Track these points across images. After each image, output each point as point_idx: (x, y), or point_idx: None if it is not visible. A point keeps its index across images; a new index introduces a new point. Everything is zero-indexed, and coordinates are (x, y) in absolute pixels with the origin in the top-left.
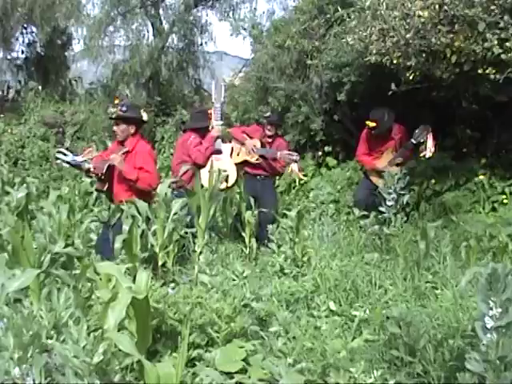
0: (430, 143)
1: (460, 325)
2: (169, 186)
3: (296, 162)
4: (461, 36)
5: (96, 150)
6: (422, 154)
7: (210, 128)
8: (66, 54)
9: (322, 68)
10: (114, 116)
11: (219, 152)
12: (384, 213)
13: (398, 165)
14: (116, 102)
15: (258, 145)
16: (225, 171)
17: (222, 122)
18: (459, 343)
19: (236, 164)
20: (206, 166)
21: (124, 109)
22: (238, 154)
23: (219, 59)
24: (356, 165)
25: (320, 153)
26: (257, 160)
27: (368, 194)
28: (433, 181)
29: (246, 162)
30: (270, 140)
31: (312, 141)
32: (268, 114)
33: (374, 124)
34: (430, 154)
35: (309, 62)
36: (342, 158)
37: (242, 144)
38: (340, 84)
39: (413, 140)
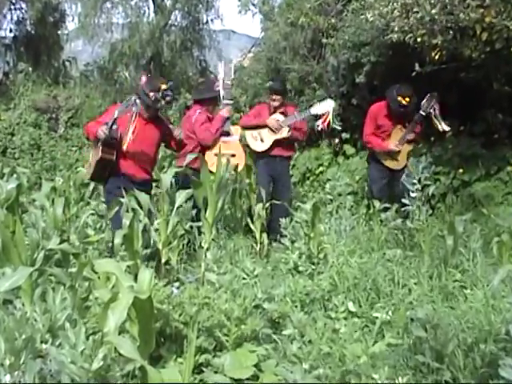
0: (438, 114)
1: (492, 328)
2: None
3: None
4: (492, 11)
5: None
6: (440, 130)
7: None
8: (59, 32)
9: (339, 47)
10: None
11: (228, 134)
12: (407, 205)
13: (409, 142)
14: (163, 86)
15: (280, 116)
16: (233, 155)
17: (232, 101)
18: (492, 348)
19: (264, 151)
20: (213, 147)
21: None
22: (262, 141)
23: (226, 38)
24: None
25: (337, 140)
26: (289, 132)
27: (384, 184)
28: (461, 170)
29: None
30: (281, 109)
31: (328, 127)
32: (269, 82)
33: (408, 100)
34: (447, 127)
35: (324, 40)
36: (361, 146)
37: (263, 126)
38: (358, 65)
39: (422, 112)
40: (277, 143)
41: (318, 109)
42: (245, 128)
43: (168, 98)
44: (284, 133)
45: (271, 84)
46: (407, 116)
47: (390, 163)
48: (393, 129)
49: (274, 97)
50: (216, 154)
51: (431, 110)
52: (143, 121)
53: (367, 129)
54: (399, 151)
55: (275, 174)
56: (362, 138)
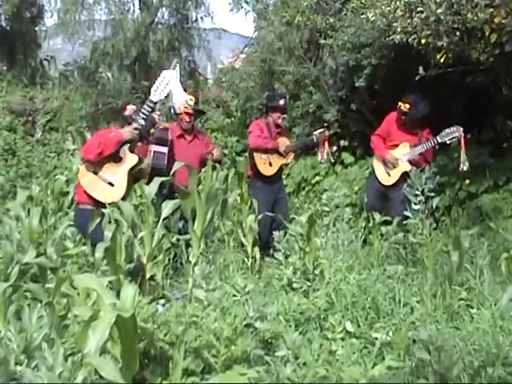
0: (463, 154)
1: (500, 351)
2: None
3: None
4: (502, 10)
5: (72, 142)
6: (460, 169)
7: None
8: (37, 29)
9: (338, 49)
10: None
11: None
12: (410, 218)
13: (411, 163)
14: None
15: (286, 140)
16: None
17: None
18: (500, 372)
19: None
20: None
21: None
22: (270, 165)
23: (217, 38)
24: None
25: (335, 148)
26: (293, 158)
27: (376, 197)
28: (467, 181)
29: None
30: (278, 131)
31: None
32: (282, 101)
33: (407, 106)
34: (466, 167)
35: (322, 41)
36: (361, 154)
37: (274, 151)
38: (358, 67)
39: (438, 138)
40: (282, 166)
41: (319, 136)
42: (256, 150)
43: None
44: (290, 159)
45: (284, 103)
46: (407, 127)
47: (381, 175)
48: (401, 142)
49: (284, 116)
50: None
51: (447, 141)
52: None
53: (378, 130)
54: (393, 167)
55: (274, 192)
56: (361, 146)
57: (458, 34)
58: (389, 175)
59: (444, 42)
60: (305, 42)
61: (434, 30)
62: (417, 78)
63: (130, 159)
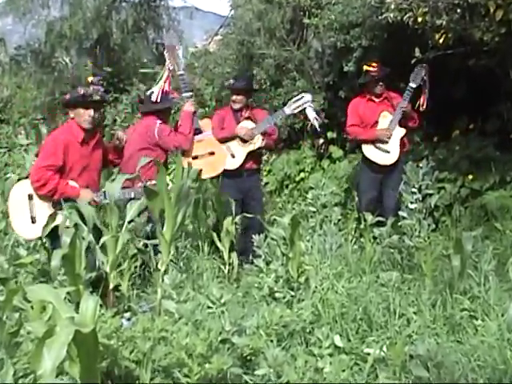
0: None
1: (508, 366)
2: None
3: (309, 105)
4: None
5: (26, 137)
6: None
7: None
8: None
9: (324, 29)
10: None
11: (199, 131)
12: (406, 218)
13: (402, 126)
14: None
15: (250, 123)
16: (212, 153)
17: (191, 93)
18: None
19: (239, 167)
20: (191, 151)
21: None
22: (233, 156)
23: (188, 17)
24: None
25: (321, 141)
26: (263, 141)
27: (374, 196)
28: (470, 176)
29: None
30: (246, 114)
31: (311, 125)
32: (231, 81)
33: (375, 66)
34: (423, 107)
35: (306, 21)
36: (350, 148)
37: (232, 138)
38: (347, 50)
39: (411, 84)
40: (249, 156)
41: (293, 107)
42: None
43: (101, 92)
44: (258, 143)
45: (233, 83)
46: (381, 88)
47: (380, 159)
48: (378, 116)
49: (234, 97)
50: (195, 157)
51: (421, 82)
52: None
53: (350, 120)
54: (389, 138)
55: (243, 191)
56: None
57: (458, 11)
58: (388, 152)
59: (443, 20)
60: (287, 22)
61: (431, 6)
62: (413, 61)
63: None
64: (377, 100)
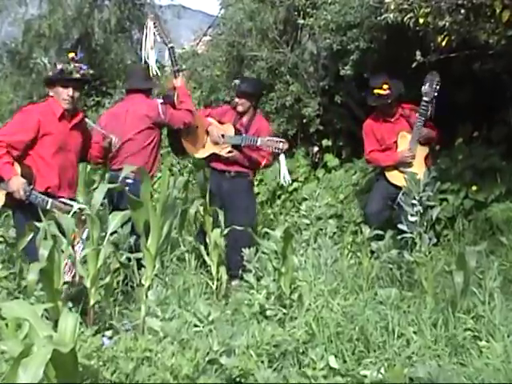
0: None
1: None
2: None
3: (283, 152)
4: None
5: None
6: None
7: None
8: None
9: (320, 30)
10: None
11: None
12: (405, 232)
13: (423, 144)
14: (71, 55)
15: (230, 131)
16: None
17: (182, 67)
18: None
19: (202, 159)
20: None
21: None
22: (203, 146)
23: (175, 16)
24: (366, 165)
25: (316, 148)
26: (229, 153)
27: (384, 205)
28: (474, 187)
29: (213, 156)
30: (244, 120)
31: (305, 131)
32: (236, 81)
33: (386, 88)
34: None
35: (301, 21)
36: (347, 156)
37: (206, 132)
38: (344, 53)
39: (425, 98)
40: (214, 156)
41: (267, 143)
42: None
43: (83, 70)
44: (224, 151)
45: (238, 84)
46: (392, 108)
47: (399, 181)
48: (398, 137)
49: (237, 100)
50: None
51: (434, 94)
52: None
53: (368, 145)
54: (413, 158)
55: (222, 198)
56: (347, 146)
57: (462, 11)
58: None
59: (446, 21)
60: (280, 23)
61: (434, 7)
62: (413, 65)
63: None
64: (392, 119)
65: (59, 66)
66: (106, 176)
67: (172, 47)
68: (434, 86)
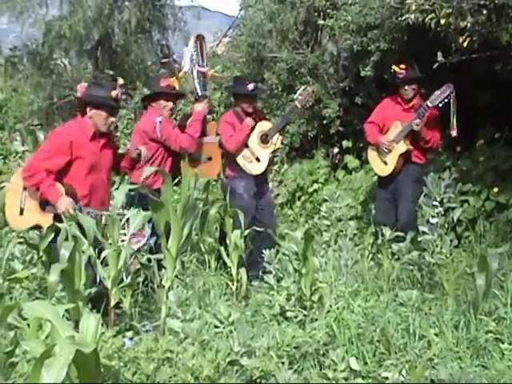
0: (453, 117)
1: None
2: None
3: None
4: None
5: (21, 143)
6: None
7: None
8: None
9: (340, 31)
10: None
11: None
12: (426, 233)
13: (410, 142)
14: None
15: (266, 125)
16: (210, 159)
17: (207, 93)
18: None
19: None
20: (199, 153)
21: None
22: (258, 160)
23: (195, 17)
24: None
25: (336, 150)
26: (279, 140)
27: (388, 208)
28: (495, 189)
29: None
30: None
31: (325, 133)
32: (251, 86)
33: (403, 67)
34: (454, 132)
35: (321, 22)
36: (367, 158)
37: (247, 134)
38: (364, 54)
39: (427, 102)
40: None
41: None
42: (237, 151)
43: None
44: (278, 142)
45: (249, 88)
46: (408, 93)
47: (376, 166)
48: (392, 123)
49: (252, 105)
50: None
51: (439, 103)
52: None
53: (371, 116)
54: (389, 151)
55: (258, 196)
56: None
57: (484, 12)
58: (385, 164)
59: (468, 22)
60: (300, 24)
61: (455, 8)
62: (435, 66)
63: None
64: (404, 105)
65: (113, 93)
66: (125, 177)
67: (204, 72)
68: (444, 96)
